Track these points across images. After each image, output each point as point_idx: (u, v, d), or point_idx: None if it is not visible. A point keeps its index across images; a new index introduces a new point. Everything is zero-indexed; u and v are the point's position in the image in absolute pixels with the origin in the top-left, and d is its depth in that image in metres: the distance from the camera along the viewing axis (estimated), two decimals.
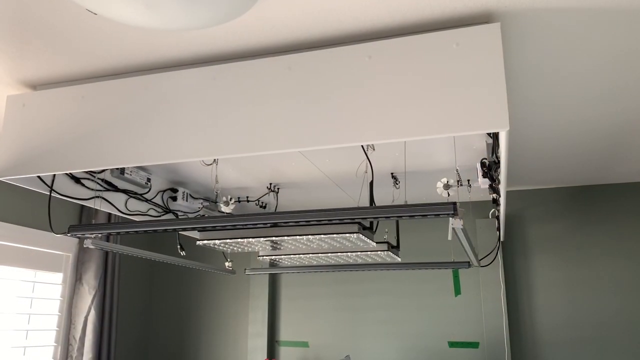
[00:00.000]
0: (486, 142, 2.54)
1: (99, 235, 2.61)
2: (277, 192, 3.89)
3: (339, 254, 3.25)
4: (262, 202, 4.21)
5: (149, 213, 3.44)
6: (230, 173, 3.46)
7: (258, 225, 2.17)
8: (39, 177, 2.57)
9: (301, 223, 2.13)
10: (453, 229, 2.09)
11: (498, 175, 2.57)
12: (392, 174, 3.10)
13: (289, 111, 1.99)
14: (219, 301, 4.91)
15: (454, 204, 1.90)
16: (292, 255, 3.44)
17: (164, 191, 3.61)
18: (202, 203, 3.86)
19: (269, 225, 2.21)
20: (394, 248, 3.23)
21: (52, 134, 2.33)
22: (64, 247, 4.02)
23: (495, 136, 2.22)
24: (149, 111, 2.19)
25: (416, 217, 1.94)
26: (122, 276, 4.59)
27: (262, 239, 2.75)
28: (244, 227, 2.76)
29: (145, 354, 4.93)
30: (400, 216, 1.94)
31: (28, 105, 2.42)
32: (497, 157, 2.39)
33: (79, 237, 3.96)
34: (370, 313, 4.52)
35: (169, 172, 3.49)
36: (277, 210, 4.29)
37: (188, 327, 4.93)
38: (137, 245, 4.76)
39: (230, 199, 3.64)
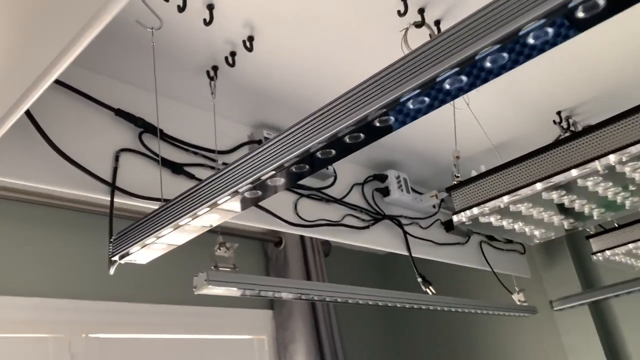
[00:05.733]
0: None
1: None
2: None
3: None
4: None
5: (345, 222, 1.83)
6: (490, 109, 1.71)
7: None
8: (87, 169, 1.17)
9: None
10: None
11: None
12: None
13: None
14: None
15: None
16: None
17: (364, 182, 1.99)
18: (435, 194, 2.14)
19: None
20: None
21: None
22: (254, 326, 2.60)
23: None
24: None
25: None
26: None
27: None
28: None
29: None
30: None
31: None
32: None
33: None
34: None
35: (373, 145, 1.89)
36: None
37: None
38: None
39: None
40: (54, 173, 1.17)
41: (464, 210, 1.06)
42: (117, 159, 1.29)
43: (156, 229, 0.88)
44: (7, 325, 1.78)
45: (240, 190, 0.79)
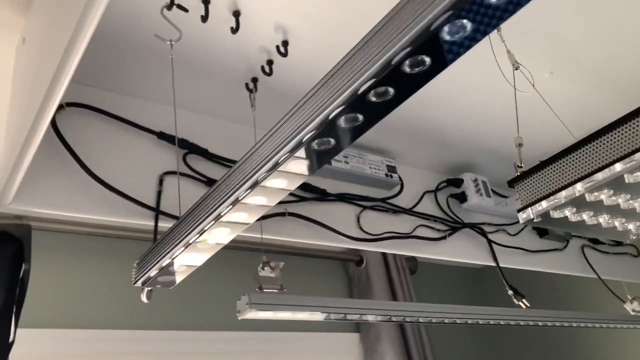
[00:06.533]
0: None
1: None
2: None
3: None
4: None
5: (417, 234, 1.68)
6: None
7: None
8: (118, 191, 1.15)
9: None
10: None
11: None
12: None
13: None
14: None
15: None
16: None
17: (437, 189, 1.83)
18: None
19: None
20: None
21: None
22: (341, 350, 2.48)
23: None
24: None
25: None
26: None
27: None
28: None
29: None
30: None
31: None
32: None
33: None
34: None
35: (443, 148, 1.74)
36: None
37: None
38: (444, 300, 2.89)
39: None
40: (95, 202, 1.15)
41: (530, 205, 0.90)
42: (161, 182, 1.26)
43: (184, 235, 0.81)
44: (72, 359, 1.75)
45: (280, 161, 0.67)
